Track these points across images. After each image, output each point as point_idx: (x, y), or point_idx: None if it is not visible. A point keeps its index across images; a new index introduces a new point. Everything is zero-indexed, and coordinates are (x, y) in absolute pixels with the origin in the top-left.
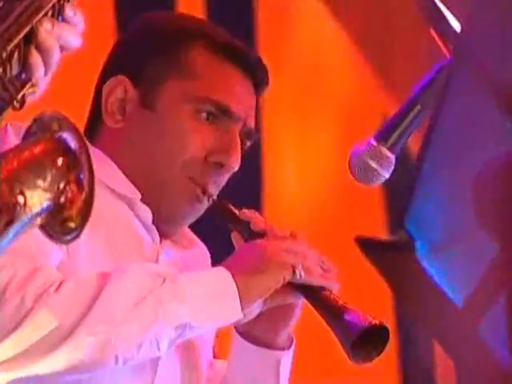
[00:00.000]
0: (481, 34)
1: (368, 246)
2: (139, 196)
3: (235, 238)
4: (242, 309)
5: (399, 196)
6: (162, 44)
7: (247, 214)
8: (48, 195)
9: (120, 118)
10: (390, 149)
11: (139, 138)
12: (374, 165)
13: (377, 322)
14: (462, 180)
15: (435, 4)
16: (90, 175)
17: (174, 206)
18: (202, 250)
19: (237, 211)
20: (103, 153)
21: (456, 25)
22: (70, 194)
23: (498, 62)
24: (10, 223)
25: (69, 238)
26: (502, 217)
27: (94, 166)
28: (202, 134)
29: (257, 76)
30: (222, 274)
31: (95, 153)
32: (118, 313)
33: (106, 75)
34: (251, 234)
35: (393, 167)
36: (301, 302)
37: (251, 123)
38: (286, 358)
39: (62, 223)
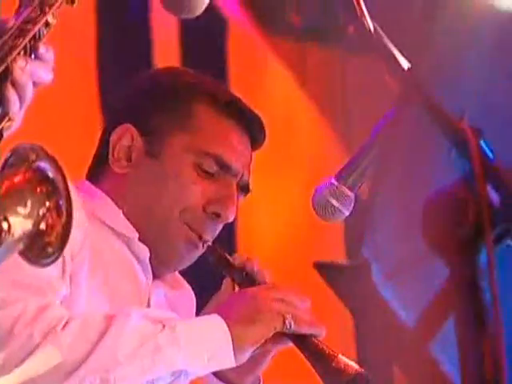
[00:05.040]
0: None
1: (326, 269)
2: (137, 235)
3: (226, 283)
4: (235, 357)
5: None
6: (169, 99)
7: (240, 260)
8: (29, 221)
9: (125, 164)
10: (350, 188)
11: (143, 183)
12: (334, 203)
13: (361, 370)
14: (413, 209)
15: (385, 45)
16: (68, 202)
17: (170, 249)
18: (188, 292)
19: (230, 258)
20: (106, 194)
21: (405, 63)
22: (50, 221)
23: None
24: None
25: (47, 261)
26: (449, 243)
27: (93, 203)
28: (202, 185)
29: (255, 133)
30: (217, 323)
31: (97, 193)
32: (119, 355)
33: (112, 123)
34: (243, 281)
35: (352, 205)
36: (275, 350)
37: (247, 177)
38: None
39: (41, 248)
